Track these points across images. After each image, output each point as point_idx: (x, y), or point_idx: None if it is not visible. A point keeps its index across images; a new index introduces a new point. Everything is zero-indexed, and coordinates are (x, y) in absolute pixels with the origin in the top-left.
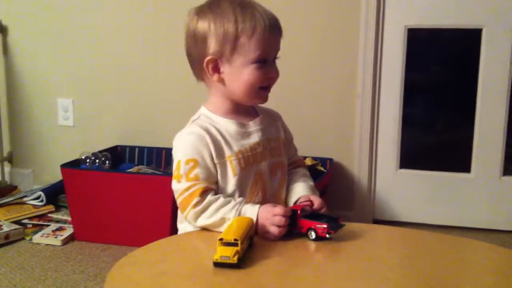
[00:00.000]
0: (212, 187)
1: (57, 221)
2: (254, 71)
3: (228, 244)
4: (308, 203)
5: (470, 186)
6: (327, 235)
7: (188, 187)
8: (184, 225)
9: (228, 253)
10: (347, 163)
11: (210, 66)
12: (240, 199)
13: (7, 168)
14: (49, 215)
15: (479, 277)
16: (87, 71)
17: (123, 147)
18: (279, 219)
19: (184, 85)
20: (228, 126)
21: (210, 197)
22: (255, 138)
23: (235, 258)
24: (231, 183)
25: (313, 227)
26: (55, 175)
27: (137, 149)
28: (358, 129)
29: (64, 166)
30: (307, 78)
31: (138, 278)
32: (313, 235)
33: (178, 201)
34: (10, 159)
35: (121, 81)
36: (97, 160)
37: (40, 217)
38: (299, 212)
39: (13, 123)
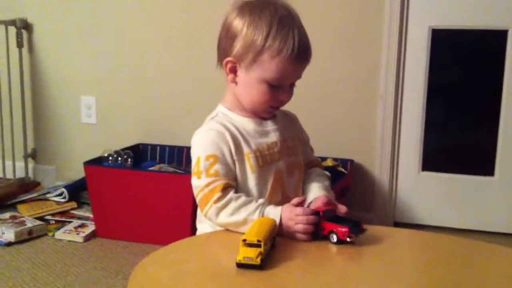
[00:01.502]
0: (232, 183)
1: (79, 217)
2: (266, 90)
3: (251, 245)
4: (332, 206)
5: (494, 189)
6: (348, 239)
7: (208, 183)
8: (203, 225)
9: (251, 254)
10: (368, 164)
11: (228, 66)
12: (262, 200)
13: (30, 164)
14: (72, 211)
15: (501, 283)
16: (110, 69)
17: (145, 146)
18: (302, 218)
19: (206, 84)
20: (246, 124)
21: (232, 194)
22: (272, 137)
23: (258, 259)
24: (250, 180)
25: (334, 230)
26: (78, 172)
27: (158, 147)
28: (379, 130)
29: (87, 163)
30: (329, 78)
31: (161, 278)
32: (334, 238)
33: (198, 198)
34: (33, 156)
35: (144, 80)
36: (119, 158)
37: (62, 213)
38: (321, 213)
39: (37, 120)
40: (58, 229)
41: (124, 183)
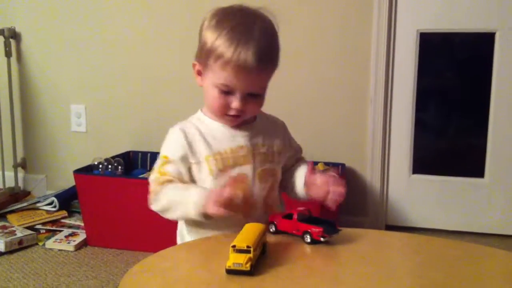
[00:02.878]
0: (177, 182)
1: (70, 226)
2: (216, 96)
3: (241, 251)
4: (305, 208)
5: (484, 191)
6: (322, 239)
7: (155, 178)
8: (180, 226)
9: (241, 260)
10: (360, 168)
11: (195, 68)
12: (193, 186)
13: (20, 173)
14: (62, 220)
15: (494, 284)
16: (99, 77)
17: (136, 153)
18: (219, 194)
19: (197, 92)
20: (213, 127)
21: (167, 184)
22: (239, 141)
23: (248, 265)
24: (208, 183)
25: (309, 230)
26: (68, 181)
27: (149, 154)
28: (370, 134)
29: (77, 171)
30: (319, 83)
31: (151, 286)
32: (308, 238)
33: (149, 190)
34: (23, 165)
35: (134, 87)
36: (109, 166)
37: (53, 222)
38: (295, 215)
39: (27, 129)
40: (49, 238)
41: (115, 191)
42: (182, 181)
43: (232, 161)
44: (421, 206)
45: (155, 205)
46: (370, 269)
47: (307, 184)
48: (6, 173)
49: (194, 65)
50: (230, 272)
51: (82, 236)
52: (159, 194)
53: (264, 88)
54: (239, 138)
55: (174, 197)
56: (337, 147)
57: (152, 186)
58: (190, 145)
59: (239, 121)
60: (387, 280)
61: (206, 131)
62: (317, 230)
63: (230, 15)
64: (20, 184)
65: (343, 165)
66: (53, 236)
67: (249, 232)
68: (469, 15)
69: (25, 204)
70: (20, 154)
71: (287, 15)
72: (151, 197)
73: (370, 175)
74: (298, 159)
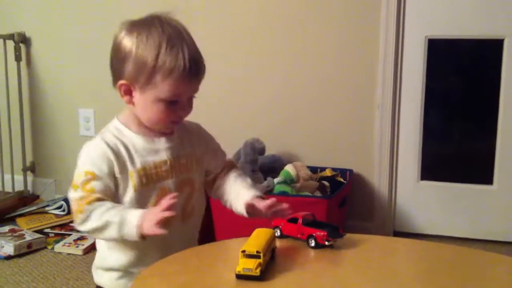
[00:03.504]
0: (106, 199)
1: (78, 230)
2: (162, 110)
3: (251, 256)
4: (309, 213)
5: (493, 198)
6: (326, 243)
7: (82, 197)
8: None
9: (251, 265)
10: (367, 174)
11: (122, 88)
12: (127, 206)
13: (29, 177)
14: (71, 224)
15: None
16: (108, 81)
17: None
18: (157, 211)
19: (202, 97)
20: (136, 141)
21: (96, 203)
22: (162, 155)
23: (258, 270)
24: (130, 198)
25: (313, 234)
26: None
27: None
28: (378, 139)
29: None
30: (326, 88)
31: None
32: (312, 242)
33: (73, 209)
34: (32, 169)
35: None
36: None
37: (61, 226)
38: (300, 220)
39: (36, 133)
40: (58, 242)
41: None
42: (109, 197)
43: (155, 176)
44: (429, 212)
45: (85, 226)
46: (377, 275)
47: (247, 209)
48: (15, 177)
49: (120, 86)
50: (240, 277)
51: (90, 240)
52: (91, 214)
53: (198, 90)
54: (162, 152)
55: (110, 218)
56: (345, 152)
57: (79, 205)
58: (116, 159)
59: (174, 128)
60: (394, 286)
61: (129, 144)
62: (322, 234)
63: (153, 27)
64: (29, 188)
65: (350, 170)
66: (61, 240)
67: (259, 238)
68: (477, 22)
69: (34, 208)
70: (29, 158)
71: (292, 20)
72: (79, 216)
73: (378, 181)
74: (226, 166)
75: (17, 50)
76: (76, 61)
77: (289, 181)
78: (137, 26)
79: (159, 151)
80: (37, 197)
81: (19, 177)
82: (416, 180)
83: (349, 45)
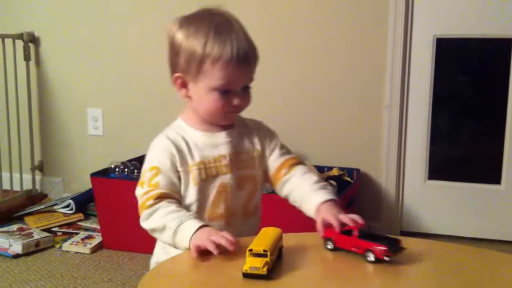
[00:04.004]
0: (171, 194)
1: (86, 229)
2: (216, 98)
3: (258, 255)
4: (366, 224)
5: (501, 197)
6: (386, 258)
7: (147, 191)
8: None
9: (258, 264)
10: (375, 173)
11: (178, 82)
12: (192, 212)
13: (38, 176)
14: (79, 223)
15: None
16: (116, 81)
17: None
18: (217, 238)
19: None
20: (196, 136)
21: (163, 202)
22: (221, 150)
23: (265, 269)
24: (191, 193)
25: (371, 248)
26: (85, 184)
27: None
28: (385, 139)
29: (93, 175)
30: (334, 87)
31: None
32: (371, 257)
33: (138, 206)
34: (41, 168)
35: (151, 91)
36: (126, 169)
37: (69, 225)
38: (355, 232)
39: (44, 132)
40: (65, 240)
41: (131, 194)
42: (174, 192)
43: (214, 170)
44: (437, 212)
45: (146, 223)
46: (385, 274)
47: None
48: (23, 175)
49: (176, 79)
50: (246, 276)
51: (98, 239)
52: (154, 213)
53: (253, 79)
54: (221, 147)
55: (169, 223)
56: (352, 152)
57: (144, 201)
58: (178, 153)
59: (234, 119)
60: (403, 285)
61: (189, 139)
62: (381, 248)
63: (203, 19)
64: (37, 186)
65: (358, 170)
66: (69, 238)
67: (266, 236)
68: (486, 21)
69: (42, 207)
70: (37, 157)
71: (300, 20)
72: (143, 213)
73: (385, 180)
74: (289, 162)
75: (26, 49)
76: (84, 60)
77: None
78: (188, 19)
79: (219, 145)
80: (45, 196)
81: (27, 176)
82: (424, 179)
83: (357, 44)
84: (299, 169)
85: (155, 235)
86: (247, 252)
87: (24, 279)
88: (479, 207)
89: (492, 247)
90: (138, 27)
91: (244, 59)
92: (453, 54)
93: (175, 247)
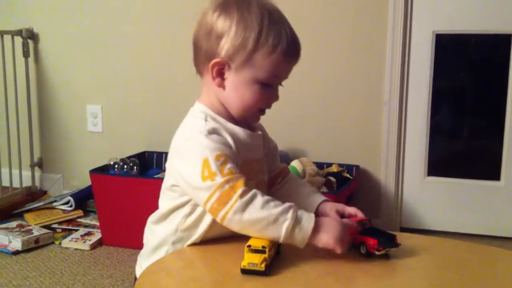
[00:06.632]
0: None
1: (86, 226)
2: (258, 91)
3: (256, 251)
4: (366, 219)
5: (500, 194)
6: (377, 252)
7: (227, 180)
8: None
9: (256, 260)
10: (374, 170)
11: (215, 68)
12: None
13: (37, 173)
14: (78, 220)
15: (508, 287)
16: (116, 78)
17: (151, 153)
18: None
19: None
20: (239, 133)
21: (255, 190)
22: (256, 153)
23: (263, 265)
24: None
25: (365, 241)
26: (84, 181)
27: (164, 155)
28: (385, 135)
29: (93, 171)
30: (333, 84)
31: (167, 285)
32: (363, 249)
33: (214, 199)
34: (40, 165)
35: (149, 88)
36: (125, 166)
37: (69, 221)
38: (356, 223)
39: (43, 129)
40: (65, 237)
41: (130, 191)
42: None
43: (253, 173)
44: (436, 208)
45: (245, 215)
46: (384, 269)
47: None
48: (23, 172)
49: (214, 66)
50: (245, 272)
51: (97, 235)
52: (251, 203)
53: None
54: (257, 150)
55: (283, 214)
56: (352, 148)
57: (227, 191)
58: (234, 144)
59: (260, 118)
60: (402, 281)
61: (234, 136)
62: (372, 242)
63: (250, 5)
64: (37, 183)
65: (357, 166)
66: (69, 235)
67: None
68: (485, 17)
69: (41, 203)
70: (37, 154)
71: (300, 15)
72: (237, 204)
73: (385, 176)
74: (282, 170)
75: (25, 46)
76: (84, 57)
77: None
78: (234, 3)
79: (255, 148)
80: (45, 192)
81: (27, 173)
82: (423, 176)
83: (356, 40)
84: (293, 177)
85: (254, 229)
86: (246, 248)
87: (23, 275)
88: (478, 203)
89: (491, 243)
90: (137, 23)
91: (295, 53)
92: (452, 50)
93: (285, 240)
